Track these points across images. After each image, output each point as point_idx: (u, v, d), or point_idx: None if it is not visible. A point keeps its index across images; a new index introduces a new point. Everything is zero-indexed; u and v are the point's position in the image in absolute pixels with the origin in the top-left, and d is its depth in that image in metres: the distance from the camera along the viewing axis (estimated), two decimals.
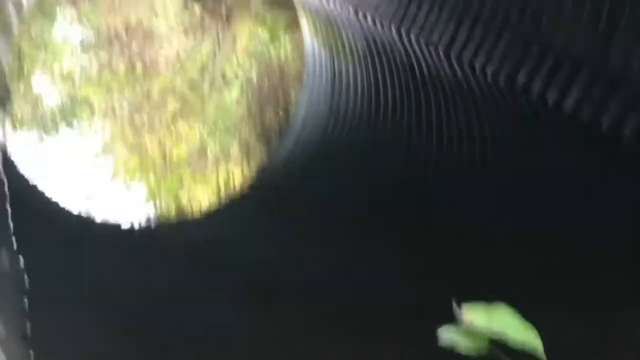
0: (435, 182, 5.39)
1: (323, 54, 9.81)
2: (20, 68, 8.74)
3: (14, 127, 7.02)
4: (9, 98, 7.54)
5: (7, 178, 5.29)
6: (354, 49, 9.59)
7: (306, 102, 7.64)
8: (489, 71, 7.31)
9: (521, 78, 6.84)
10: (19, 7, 2.06)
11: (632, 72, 5.78)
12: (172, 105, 7.56)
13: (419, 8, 8.98)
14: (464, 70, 7.69)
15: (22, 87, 8.30)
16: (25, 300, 3.68)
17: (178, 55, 9.87)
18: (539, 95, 6.57)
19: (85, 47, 10.34)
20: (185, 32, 11.37)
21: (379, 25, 9.83)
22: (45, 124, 7.17)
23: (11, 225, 4.53)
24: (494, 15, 7.51)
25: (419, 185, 5.34)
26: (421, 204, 4.97)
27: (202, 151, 6.48)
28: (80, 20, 12.34)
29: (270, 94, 8.07)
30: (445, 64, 7.99)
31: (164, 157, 6.37)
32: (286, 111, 7.54)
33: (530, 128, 6.41)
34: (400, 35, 9.19)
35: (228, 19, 12.24)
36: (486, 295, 1.13)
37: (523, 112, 6.74)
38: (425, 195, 5.10)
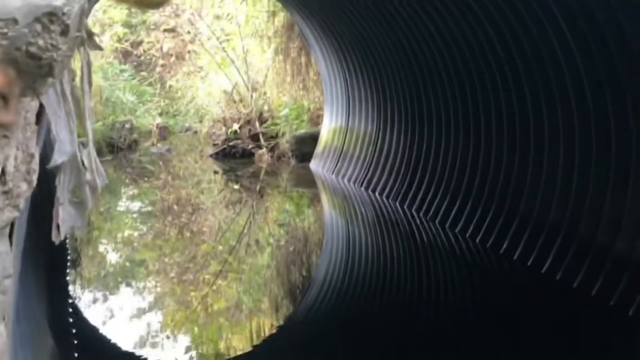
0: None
1: (340, 223, 10.13)
2: (90, 237, 9.06)
3: (81, 285, 7.16)
4: (79, 260, 7.82)
5: (76, 328, 5.51)
6: (365, 219, 9.94)
7: (326, 263, 7.83)
8: (477, 239, 7.54)
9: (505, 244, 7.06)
10: (93, 188, 2.29)
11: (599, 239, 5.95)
12: (214, 267, 7.74)
13: (419, 190, 9.37)
14: (457, 238, 7.95)
15: (90, 252, 8.54)
16: None
17: (220, 225, 10.20)
18: (519, 258, 6.75)
19: (143, 218, 10.73)
20: (227, 206, 11.79)
21: (385, 201, 10.21)
22: (108, 284, 7.30)
23: None
24: (480, 194, 7.84)
25: (421, 342, 5.42)
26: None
27: (238, 305, 6.57)
28: (139, 197, 12.84)
29: (296, 258, 8.24)
30: (441, 233, 8.28)
31: (206, 310, 6.47)
32: (309, 271, 7.70)
33: (512, 288, 6.52)
34: (404, 210, 9.55)
35: (261, 195, 12.70)
36: None
37: (505, 273, 6.89)
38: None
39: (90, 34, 1.88)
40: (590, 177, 6.08)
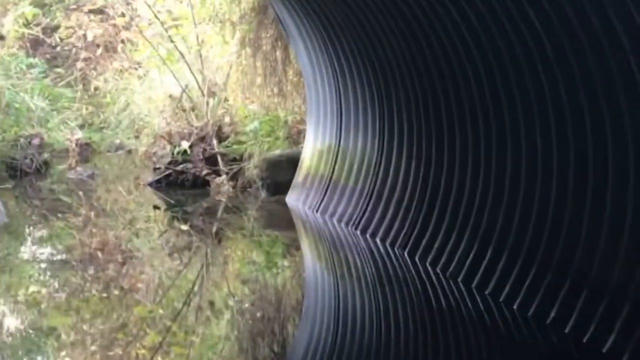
0: None
1: (326, 281, 10.10)
2: None
3: None
4: None
5: None
6: (360, 273, 9.91)
7: (306, 338, 7.80)
8: (515, 305, 7.57)
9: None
10: None
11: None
12: (151, 338, 7.70)
13: (435, 237, 9.37)
14: (486, 301, 7.96)
15: None
16: None
17: (160, 280, 10.14)
18: (571, 330, 6.79)
19: (55, 269, 10.64)
20: (170, 254, 11.73)
21: (390, 250, 10.21)
22: (4, 358, 7.23)
23: None
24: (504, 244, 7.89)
25: None
26: None
27: None
28: (51, 240, 12.76)
29: (265, 327, 8.22)
30: (465, 295, 8.28)
31: None
32: (283, 348, 7.67)
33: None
34: (414, 263, 9.53)
35: (219, 240, 12.66)
36: None
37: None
38: None
39: None
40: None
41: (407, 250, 9.87)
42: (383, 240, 10.52)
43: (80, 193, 16.74)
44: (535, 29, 7.22)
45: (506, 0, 7.45)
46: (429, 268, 9.22)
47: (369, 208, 11.21)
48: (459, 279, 8.59)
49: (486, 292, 8.08)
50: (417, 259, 9.56)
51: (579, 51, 6.68)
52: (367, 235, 10.93)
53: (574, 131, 7.10)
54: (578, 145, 7.07)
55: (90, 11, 23.13)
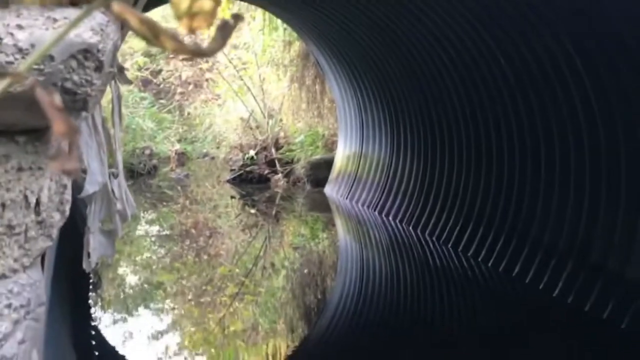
0: None
1: (354, 248, 10.11)
2: (110, 260, 9.09)
3: (102, 308, 7.19)
4: (100, 284, 7.86)
5: (98, 351, 5.51)
6: (379, 243, 9.92)
7: (340, 288, 7.81)
8: (489, 262, 7.51)
9: (516, 268, 7.04)
10: (123, 217, 2.33)
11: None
12: (231, 289, 7.74)
13: (432, 215, 9.35)
14: (469, 262, 7.91)
15: (110, 275, 8.58)
16: None
17: (237, 248, 10.22)
18: (530, 282, 6.71)
19: (161, 241, 10.77)
20: (243, 230, 11.81)
21: (399, 225, 10.20)
22: (128, 306, 7.31)
23: None
24: (492, 218, 7.81)
25: None
26: None
27: (255, 327, 6.56)
28: (158, 221, 12.89)
29: (310, 281, 8.24)
30: (454, 257, 8.25)
31: (223, 332, 6.47)
32: (324, 295, 7.69)
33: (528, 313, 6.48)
34: (417, 234, 9.53)
35: (277, 219, 12.72)
36: None
37: (515, 296, 6.86)
38: None
39: (121, 69, 1.91)
40: (600, 203, 6.06)
41: (411, 225, 9.85)
42: (394, 218, 10.51)
43: (179, 188, 16.86)
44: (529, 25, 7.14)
45: (500, 32, 7.38)
46: (427, 237, 9.20)
47: (383, 195, 11.21)
48: (449, 245, 8.56)
49: (468, 254, 8.04)
50: (418, 231, 9.54)
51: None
52: (383, 215, 10.92)
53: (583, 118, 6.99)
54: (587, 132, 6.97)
55: (184, 59, 23.24)
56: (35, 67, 1.33)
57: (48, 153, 1.43)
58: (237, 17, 0.81)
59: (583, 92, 6.04)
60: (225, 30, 0.79)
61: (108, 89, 1.83)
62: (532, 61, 6.69)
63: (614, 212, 5.85)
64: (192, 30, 0.77)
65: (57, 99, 0.71)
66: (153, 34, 0.74)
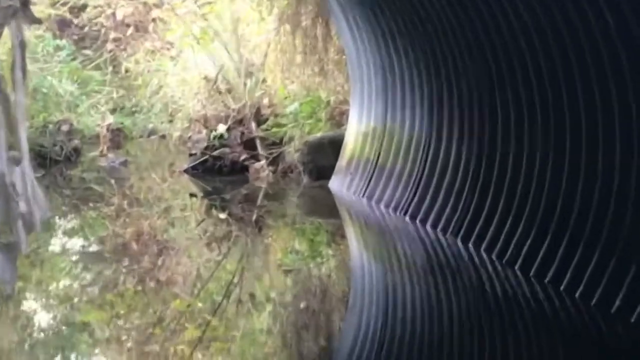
0: None
1: (374, 270, 10.11)
2: (11, 288, 9.10)
3: None
4: None
5: None
6: (410, 262, 9.91)
7: (353, 329, 7.82)
8: (576, 294, 7.54)
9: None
10: (29, 224, 2.35)
11: None
12: (190, 333, 7.76)
13: (489, 222, 9.34)
14: (546, 290, 7.93)
15: (11, 311, 8.59)
16: None
17: (198, 272, 10.22)
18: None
19: (87, 261, 10.76)
20: (208, 245, 11.81)
21: (441, 237, 10.20)
22: (37, 356, 7.32)
23: None
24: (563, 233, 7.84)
25: None
26: None
27: None
28: (82, 231, 12.89)
29: (309, 320, 8.25)
30: (523, 283, 8.25)
31: None
32: (329, 341, 7.70)
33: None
34: (467, 250, 9.53)
35: (259, 228, 12.72)
36: None
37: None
38: None
39: (25, 2, 1.90)
40: None
41: (459, 236, 9.85)
42: (434, 227, 10.51)
43: (112, 181, 16.89)
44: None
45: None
46: (484, 255, 9.20)
47: (418, 192, 11.20)
48: (516, 267, 8.56)
49: (546, 281, 8.05)
50: (470, 246, 9.55)
51: None
52: (417, 222, 10.92)
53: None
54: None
55: None
56: None
57: None
58: None
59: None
60: None
61: (6, 32, 1.81)
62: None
63: None
64: None
65: None
66: None
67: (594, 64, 7.51)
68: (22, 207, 2.12)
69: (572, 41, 7.66)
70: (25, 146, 2.11)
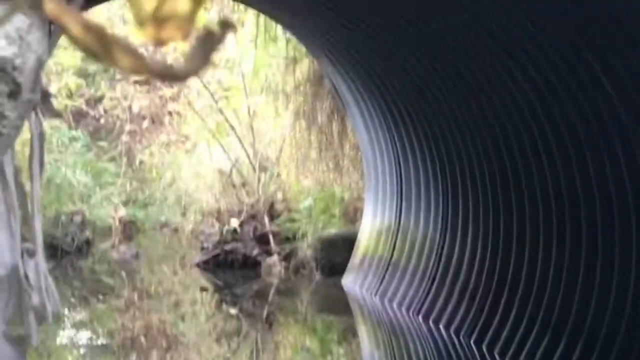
0: None
1: None
2: None
3: None
4: None
5: None
6: None
7: None
8: None
9: None
10: (41, 317, 2.35)
11: None
12: None
13: (504, 324, 9.28)
14: None
15: None
16: None
17: None
18: None
19: (95, 356, 10.72)
20: (218, 340, 11.75)
21: (455, 338, 10.12)
22: None
23: None
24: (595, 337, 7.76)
25: None
26: None
27: None
28: (91, 324, 12.85)
29: None
30: None
31: None
32: None
33: None
34: (481, 352, 9.44)
35: (270, 325, 12.65)
36: None
37: None
38: None
39: (46, 95, 1.95)
40: None
41: (472, 338, 9.77)
42: (447, 328, 10.43)
43: (123, 274, 16.88)
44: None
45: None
46: (497, 358, 9.11)
47: (431, 292, 11.14)
48: None
49: None
50: (484, 348, 9.46)
51: None
52: (430, 322, 10.84)
53: None
54: None
55: (136, 82, 23.52)
56: None
57: None
58: (227, 25, 0.83)
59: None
60: (209, 44, 0.81)
61: (26, 124, 1.84)
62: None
63: None
64: (159, 43, 0.78)
65: None
66: (102, 46, 0.75)
67: (595, 171, 7.57)
68: (35, 299, 2.12)
69: (575, 152, 7.72)
70: (39, 239, 2.12)
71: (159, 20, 0.79)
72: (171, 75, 0.77)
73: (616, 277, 7.60)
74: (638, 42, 6.86)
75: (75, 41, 0.75)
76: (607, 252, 7.74)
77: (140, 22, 0.80)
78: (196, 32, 0.83)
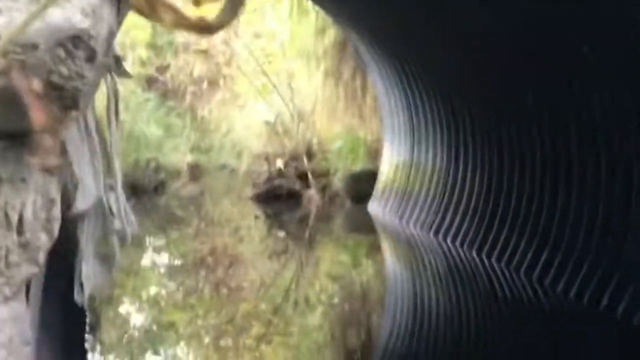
0: None
1: (405, 277, 10.06)
2: (110, 295, 9.16)
3: (101, 354, 7.21)
4: (98, 324, 7.91)
5: None
6: (435, 272, 9.85)
7: (388, 327, 7.77)
8: (571, 295, 7.43)
9: (604, 301, 6.95)
10: (122, 238, 2.38)
11: None
12: (256, 330, 7.74)
13: (499, 236, 9.28)
14: (546, 292, 7.83)
15: (111, 313, 8.63)
16: None
17: (262, 279, 10.23)
18: (623, 317, 6.63)
19: (172, 273, 10.83)
20: (270, 257, 11.83)
21: (460, 249, 10.14)
22: (132, 350, 7.34)
23: None
24: (574, 243, 7.73)
25: None
26: None
27: None
28: (168, 248, 12.97)
29: (353, 318, 8.21)
30: (528, 288, 8.16)
31: None
32: (369, 335, 7.65)
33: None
34: (481, 260, 9.46)
35: (311, 243, 12.72)
36: None
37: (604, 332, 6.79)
38: None
39: (118, 59, 1.94)
40: None
41: (474, 248, 9.79)
42: (453, 241, 10.45)
43: (192, 207, 16.99)
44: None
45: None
46: (494, 263, 9.12)
47: (440, 213, 11.15)
48: (521, 272, 8.48)
49: (545, 283, 7.95)
50: (483, 256, 9.48)
51: None
52: (439, 237, 10.86)
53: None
54: None
55: (195, 52, 23.54)
56: (16, 57, 1.35)
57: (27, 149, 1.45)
58: None
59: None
60: (236, 2, 0.80)
61: (102, 83, 1.84)
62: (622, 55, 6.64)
63: None
64: (198, 2, 0.78)
65: (37, 84, 0.72)
66: (149, 5, 0.74)
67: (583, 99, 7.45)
68: (117, 224, 2.16)
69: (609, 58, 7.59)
70: (119, 175, 2.15)
71: None
72: (207, 27, 0.76)
73: (635, 199, 7.53)
74: None
75: (130, 4, 0.75)
76: (581, 178, 7.67)
77: None
78: None
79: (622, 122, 6.96)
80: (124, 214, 2.12)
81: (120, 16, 1.68)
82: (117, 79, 2.09)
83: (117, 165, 2.11)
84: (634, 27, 6.27)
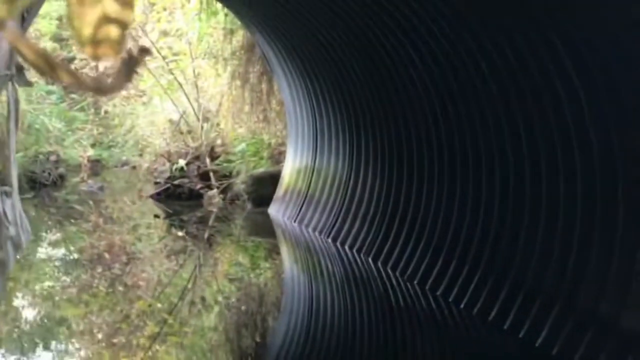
0: None
1: (302, 281, 10.13)
2: (2, 288, 8.94)
3: None
4: None
5: None
6: (331, 276, 9.94)
7: (284, 328, 7.82)
8: (461, 305, 7.61)
9: (494, 312, 7.14)
10: (16, 245, 2.32)
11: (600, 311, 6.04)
12: (150, 329, 7.68)
13: (395, 245, 9.43)
14: (438, 302, 8.01)
15: (2, 307, 8.43)
16: None
17: (159, 278, 10.14)
18: (510, 328, 6.83)
19: (67, 267, 10.62)
20: (168, 256, 11.73)
21: (357, 256, 10.26)
22: (23, 345, 7.19)
23: None
24: (467, 252, 7.92)
25: None
26: None
27: None
28: (64, 242, 12.71)
29: (249, 319, 8.23)
30: (420, 296, 8.33)
31: None
32: (263, 336, 7.69)
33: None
34: (377, 268, 9.59)
35: (210, 244, 12.68)
36: None
37: (491, 343, 6.97)
38: None
39: (20, 69, 1.92)
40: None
41: (370, 256, 9.91)
42: (351, 248, 10.57)
43: (91, 203, 16.68)
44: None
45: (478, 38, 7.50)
46: (390, 272, 9.27)
47: (339, 219, 11.26)
48: (415, 282, 8.64)
49: (437, 293, 8.13)
50: (379, 264, 9.61)
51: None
52: (338, 243, 10.97)
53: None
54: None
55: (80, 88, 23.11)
56: None
57: None
58: (145, 51, 0.85)
59: (579, 120, 6.15)
60: (131, 64, 0.83)
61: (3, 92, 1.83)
62: (518, 70, 6.80)
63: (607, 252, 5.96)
64: (97, 58, 0.81)
65: None
66: (48, 67, 0.77)
67: (532, 93, 7.61)
68: (12, 231, 2.09)
69: (507, 73, 7.75)
70: (15, 182, 2.08)
71: (95, 42, 0.81)
72: (102, 89, 0.80)
73: (528, 211, 7.71)
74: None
75: (29, 63, 0.78)
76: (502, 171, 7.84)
77: (82, 43, 0.82)
78: (121, 55, 0.86)
79: (515, 136, 7.16)
80: (20, 221, 2.09)
81: (23, 30, 1.67)
82: (18, 88, 2.07)
83: (15, 171, 2.09)
84: None
